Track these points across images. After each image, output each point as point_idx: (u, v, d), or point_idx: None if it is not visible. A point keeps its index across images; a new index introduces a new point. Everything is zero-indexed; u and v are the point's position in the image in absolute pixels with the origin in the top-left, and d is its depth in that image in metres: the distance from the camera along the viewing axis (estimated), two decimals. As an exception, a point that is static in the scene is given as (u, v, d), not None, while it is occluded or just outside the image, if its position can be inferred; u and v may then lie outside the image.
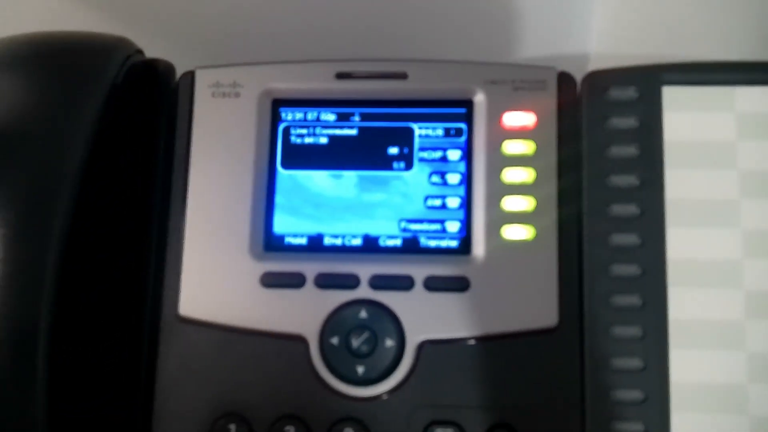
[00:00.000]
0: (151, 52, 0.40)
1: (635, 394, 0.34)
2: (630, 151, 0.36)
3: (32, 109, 0.34)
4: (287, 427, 0.35)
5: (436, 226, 0.37)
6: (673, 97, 0.36)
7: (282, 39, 0.46)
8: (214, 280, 0.37)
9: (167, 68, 0.40)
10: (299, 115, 0.39)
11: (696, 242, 0.35)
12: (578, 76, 0.38)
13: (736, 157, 0.35)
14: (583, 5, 0.47)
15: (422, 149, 0.38)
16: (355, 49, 0.42)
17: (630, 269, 0.35)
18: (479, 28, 0.48)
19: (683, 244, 0.35)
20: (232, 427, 0.35)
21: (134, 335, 0.36)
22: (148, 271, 0.37)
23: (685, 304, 0.34)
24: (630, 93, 0.36)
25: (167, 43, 0.44)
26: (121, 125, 0.37)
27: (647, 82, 0.36)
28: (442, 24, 0.48)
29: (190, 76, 0.39)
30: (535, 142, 0.37)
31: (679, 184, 0.35)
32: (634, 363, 0.34)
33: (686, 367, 0.34)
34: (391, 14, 0.47)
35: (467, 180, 0.37)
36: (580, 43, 0.48)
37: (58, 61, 0.36)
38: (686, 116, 0.36)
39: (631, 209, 0.35)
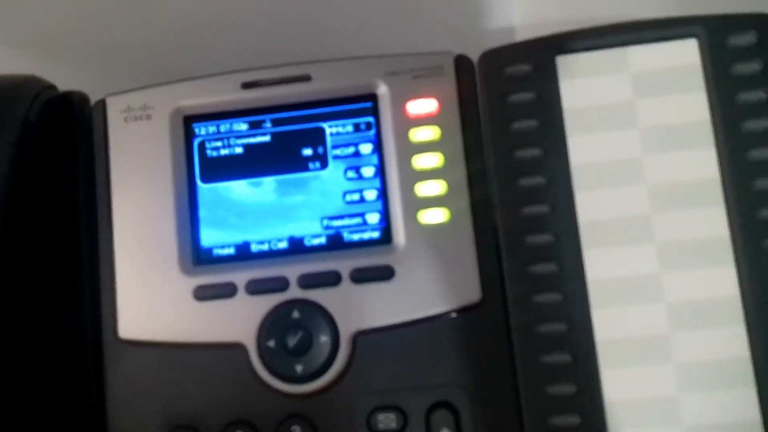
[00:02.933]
0: (70, 84, 0.41)
1: (564, 357, 0.35)
2: (531, 124, 0.37)
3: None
4: (237, 432, 0.36)
5: (357, 220, 0.38)
6: (568, 66, 0.37)
7: (192, 55, 0.47)
8: (149, 299, 0.38)
9: (81, 99, 0.41)
10: (212, 129, 0.39)
11: (605, 203, 0.36)
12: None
13: (635, 115, 0.36)
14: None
15: (335, 147, 0.39)
16: (263, 57, 0.43)
17: (544, 238, 0.36)
18: (398, 15, 0.48)
19: (593, 206, 0.36)
20: None
21: (78, 362, 0.37)
22: (83, 300, 0.38)
23: (601, 265, 0.35)
24: (525, 67, 0.37)
25: (85, 73, 0.45)
26: (41, 159, 0.38)
27: (541, 55, 0.37)
28: (356, 16, 0.48)
29: (101, 104, 0.40)
30: (440, 126, 0.38)
31: (583, 149, 0.36)
32: (559, 327, 0.35)
33: (610, 325, 0.35)
34: (293, 18, 0.48)
35: (381, 171, 0.38)
36: (505, 17, 0.48)
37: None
38: (583, 82, 0.37)
39: (538, 180, 0.36)
